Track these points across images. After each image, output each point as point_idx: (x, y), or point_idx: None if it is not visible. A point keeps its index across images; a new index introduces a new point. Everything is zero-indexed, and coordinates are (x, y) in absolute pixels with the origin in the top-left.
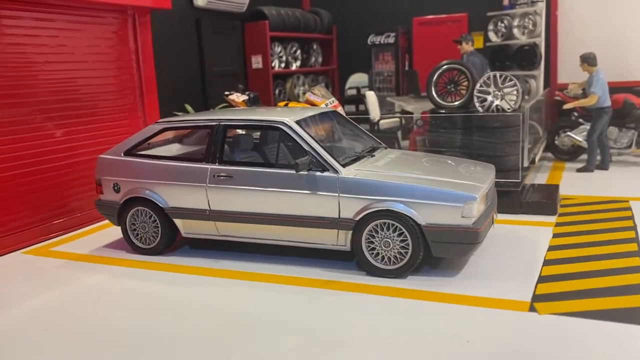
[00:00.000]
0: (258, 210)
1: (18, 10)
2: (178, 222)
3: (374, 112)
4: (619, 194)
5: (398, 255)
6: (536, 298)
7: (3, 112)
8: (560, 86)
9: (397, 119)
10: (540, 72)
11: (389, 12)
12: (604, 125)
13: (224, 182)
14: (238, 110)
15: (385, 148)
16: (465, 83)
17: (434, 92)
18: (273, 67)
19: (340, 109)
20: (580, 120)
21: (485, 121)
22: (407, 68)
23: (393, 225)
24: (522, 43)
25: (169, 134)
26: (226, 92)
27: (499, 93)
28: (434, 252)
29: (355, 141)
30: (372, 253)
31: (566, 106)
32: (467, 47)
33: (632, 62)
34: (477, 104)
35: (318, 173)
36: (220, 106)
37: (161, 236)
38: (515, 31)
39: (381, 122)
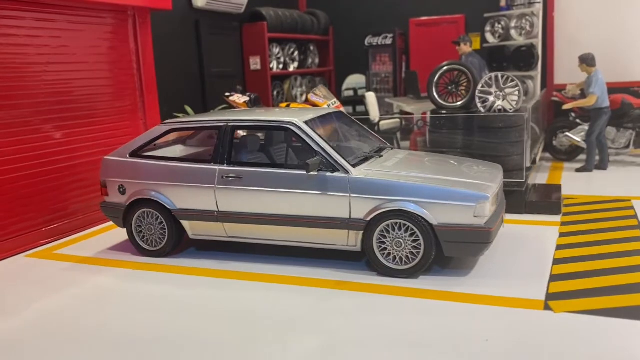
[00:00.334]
0: (268, 211)
1: (18, 10)
2: (185, 223)
3: (374, 113)
4: (620, 193)
5: (410, 255)
6: (550, 296)
7: (3, 113)
8: (557, 87)
9: (397, 120)
10: (537, 73)
11: (386, 13)
12: (603, 125)
13: (233, 183)
14: (245, 111)
15: (392, 148)
16: (466, 84)
17: (435, 93)
18: (271, 69)
19: (342, 110)
20: (578, 120)
21: (489, 122)
22: (404, 69)
23: (405, 225)
24: (519, 44)
25: (172, 135)
26: (227, 94)
27: (501, 94)
28: (446, 252)
29: (362, 142)
30: (384, 253)
31: (565, 107)
32: (465, 48)
33: (628, 62)
34: (478, 105)
35: (328, 173)
36: (220, 107)
37: (168, 238)
38: (513, 32)
39: (381, 122)
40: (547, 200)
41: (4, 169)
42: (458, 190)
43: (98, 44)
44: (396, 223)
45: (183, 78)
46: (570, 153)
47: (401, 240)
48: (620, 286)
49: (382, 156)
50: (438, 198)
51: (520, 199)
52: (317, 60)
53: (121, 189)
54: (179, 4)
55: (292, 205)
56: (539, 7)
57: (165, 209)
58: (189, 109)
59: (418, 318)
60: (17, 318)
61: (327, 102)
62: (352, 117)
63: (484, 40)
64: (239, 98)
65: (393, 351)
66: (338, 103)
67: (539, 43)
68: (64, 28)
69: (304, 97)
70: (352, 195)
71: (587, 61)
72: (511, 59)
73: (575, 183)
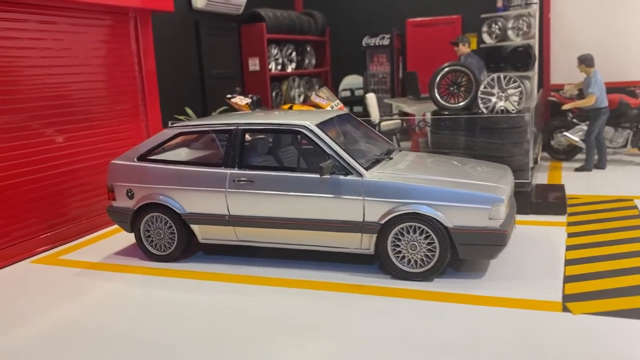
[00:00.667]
0: (280, 215)
1: (20, 12)
2: (195, 228)
3: (375, 113)
4: (622, 192)
5: (424, 258)
6: (567, 298)
7: (6, 118)
8: (553, 87)
9: (398, 121)
10: (534, 73)
11: (383, 14)
12: (602, 125)
13: (245, 187)
14: (255, 114)
15: (400, 150)
16: (466, 85)
17: (437, 94)
18: (270, 70)
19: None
20: (575, 120)
21: (493, 122)
22: (401, 70)
23: (419, 228)
24: (516, 44)
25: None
26: (228, 95)
27: (503, 94)
28: (461, 254)
29: (370, 144)
30: (398, 256)
31: (565, 107)
32: (464, 48)
33: (623, 62)
34: (481, 106)
35: (341, 177)
36: (221, 109)
37: (177, 242)
38: (510, 33)
39: (382, 123)
40: (552, 201)
41: (6, 174)
42: (473, 193)
43: (100, 46)
44: (411, 226)
45: (183, 80)
46: (568, 152)
47: (416, 243)
48: (636, 287)
49: (392, 158)
50: (453, 201)
51: (526, 199)
52: (313, 61)
53: (129, 193)
54: (178, 5)
55: (305, 208)
56: (535, 8)
57: (174, 213)
58: (189, 111)
59: (437, 321)
60: (32, 326)
61: (330, 104)
62: (359, 119)
63: (480, 40)
64: (240, 100)
65: (416, 355)
66: (341, 104)
67: (535, 43)
68: (66, 30)
69: (302, 98)
70: (365, 198)
71: (586, 61)
72: (508, 60)
73: (575, 183)
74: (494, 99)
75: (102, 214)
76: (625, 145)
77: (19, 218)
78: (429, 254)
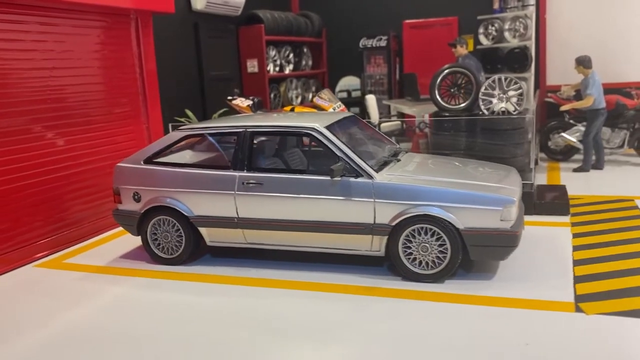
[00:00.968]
0: (289, 217)
1: (21, 14)
2: (203, 230)
3: (374, 115)
4: (621, 193)
5: (436, 260)
6: (579, 298)
7: (8, 121)
8: (549, 88)
9: (398, 122)
10: (530, 75)
11: (379, 15)
12: (600, 126)
13: (254, 190)
14: (262, 116)
15: (406, 152)
16: (465, 86)
17: (437, 96)
18: (268, 71)
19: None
20: (571, 121)
21: (495, 123)
22: (398, 71)
23: (431, 229)
24: (513, 46)
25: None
26: (229, 97)
27: (504, 96)
28: (472, 255)
29: (376, 145)
30: (409, 258)
31: (563, 108)
32: (461, 50)
33: (619, 64)
34: (482, 107)
35: (352, 179)
36: (221, 111)
37: (185, 245)
38: (507, 34)
39: (382, 125)
40: (556, 201)
41: (9, 178)
42: (485, 195)
43: (101, 48)
44: (422, 227)
45: (182, 82)
46: (566, 153)
47: (427, 245)
48: None
49: (399, 160)
50: (465, 202)
51: (529, 200)
52: (310, 63)
53: (136, 196)
54: (178, 7)
55: (315, 210)
56: (532, 10)
57: (182, 216)
58: (189, 113)
59: (453, 323)
60: (43, 331)
61: (332, 106)
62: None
63: (477, 42)
64: (242, 102)
65: (436, 358)
66: (343, 106)
67: (532, 45)
68: (68, 32)
69: (299, 100)
70: (376, 200)
71: (583, 63)
72: (505, 61)
73: (575, 183)
74: (495, 100)
75: (104, 217)
76: (622, 146)
77: (22, 222)
78: (440, 255)
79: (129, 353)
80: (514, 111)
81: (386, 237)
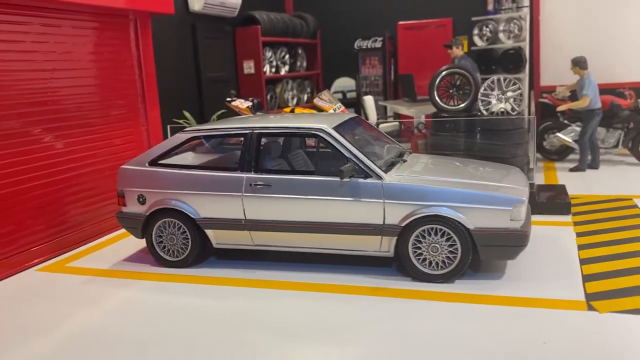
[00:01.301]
0: (298, 219)
1: (20, 15)
2: (210, 232)
3: (372, 116)
4: (619, 192)
5: (446, 260)
6: (590, 297)
7: (9, 123)
8: (543, 89)
9: (397, 123)
10: (525, 75)
11: (373, 16)
12: (595, 126)
13: (262, 191)
14: (268, 117)
15: (411, 152)
16: (466, 87)
17: (436, 97)
18: (264, 72)
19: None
20: (566, 121)
21: (495, 124)
22: (392, 72)
23: (441, 230)
24: (507, 47)
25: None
26: (228, 99)
27: (503, 96)
28: (482, 255)
29: (381, 146)
30: (419, 258)
31: (560, 108)
32: (457, 51)
33: (612, 64)
34: (481, 107)
35: (361, 180)
36: (219, 113)
37: (191, 248)
38: (501, 35)
39: (381, 126)
40: (557, 201)
41: (11, 181)
42: (494, 195)
43: (100, 49)
44: (432, 228)
45: (180, 83)
46: (561, 153)
47: (437, 245)
48: None
49: (406, 161)
50: (474, 202)
51: (531, 199)
52: (305, 64)
53: (141, 199)
54: (175, 8)
55: (324, 212)
56: (526, 11)
57: (188, 218)
58: (187, 115)
59: (468, 323)
60: (55, 336)
61: (332, 107)
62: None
63: (471, 43)
64: (241, 103)
65: (453, 357)
66: (343, 107)
67: (526, 46)
68: (68, 34)
69: (295, 101)
70: (386, 201)
71: (579, 64)
72: (500, 62)
73: (572, 182)
74: (494, 101)
75: (105, 219)
76: (616, 146)
77: (23, 225)
78: (450, 255)
79: (138, 356)
80: (513, 111)
81: (395, 238)
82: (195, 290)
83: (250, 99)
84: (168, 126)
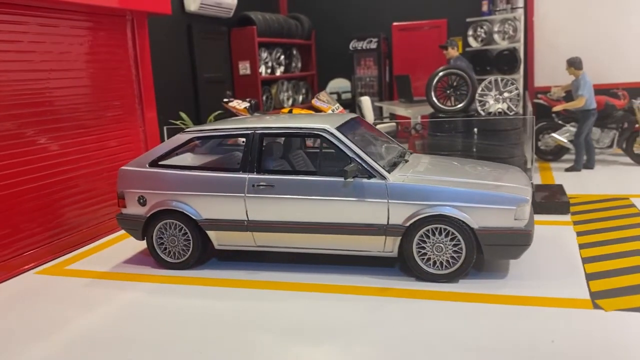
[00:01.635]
0: (301, 219)
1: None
2: (211, 234)
3: (369, 117)
4: (615, 191)
5: (450, 260)
6: (595, 295)
7: (7, 124)
8: (537, 89)
9: (393, 124)
10: (519, 76)
11: (368, 17)
12: (590, 126)
13: (265, 192)
14: (270, 117)
15: (411, 153)
16: (463, 88)
17: (434, 97)
18: (260, 73)
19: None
20: (560, 122)
21: (492, 124)
22: (387, 73)
23: (445, 229)
24: (502, 48)
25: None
26: (225, 100)
27: (500, 97)
28: (486, 255)
29: (383, 146)
30: (423, 258)
31: (555, 108)
32: (453, 52)
33: (605, 65)
34: (479, 108)
35: (365, 180)
36: (215, 113)
37: (193, 249)
38: (496, 36)
39: (378, 127)
40: (556, 201)
41: (7, 183)
42: (498, 194)
43: (97, 50)
44: (436, 228)
45: (175, 83)
46: (556, 153)
47: (442, 245)
48: None
49: (407, 161)
50: (479, 202)
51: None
52: (299, 65)
53: (141, 200)
54: (171, 8)
55: (327, 212)
56: (520, 12)
57: (190, 219)
58: (184, 116)
59: (475, 322)
60: (58, 339)
61: (330, 107)
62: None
63: (466, 44)
64: (238, 104)
65: (463, 357)
66: (341, 108)
67: (520, 47)
68: (65, 34)
69: (290, 101)
70: (390, 201)
71: (574, 64)
72: (494, 63)
73: (568, 182)
74: (491, 101)
75: (102, 221)
76: (611, 146)
77: (20, 228)
78: (454, 255)
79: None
80: (511, 112)
81: (399, 238)
82: (199, 292)
83: (248, 99)
84: (164, 127)
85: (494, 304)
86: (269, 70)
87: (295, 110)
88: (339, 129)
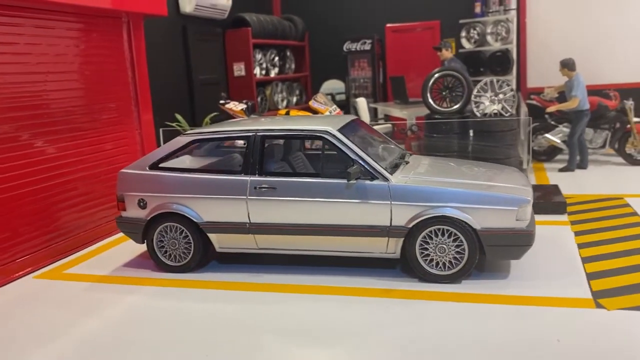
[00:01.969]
0: (304, 221)
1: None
2: (213, 236)
3: (365, 118)
4: (609, 191)
5: (453, 261)
6: (597, 294)
7: (5, 127)
8: (530, 90)
9: (389, 125)
10: (512, 77)
11: (361, 19)
12: (584, 126)
13: (267, 194)
14: (272, 120)
15: (411, 154)
16: (458, 89)
17: (430, 99)
18: (255, 75)
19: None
20: (553, 122)
21: (488, 125)
22: (381, 74)
23: (448, 230)
24: (495, 49)
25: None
26: (221, 101)
27: (496, 98)
28: (489, 256)
29: (383, 148)
30: (426, 259)
31: (549, 109)
32: (447, 53)
33: (597, 66)
34: (474, 109)
35: (367, 182)
36: (212, 115)
37: (194, 252)
38: (489, 38)
39: (374, 128)
40: (553, 201)
41: (4, 187)
42: (500, 195)
43: (93, 52)
44: (439, 229)
45: (171, 85)
46: (550, 154)
47: (444, 246)
48: None
49: (408, 162)
50: (481, 203)
51: None
52: (293, 66)
53: (141, 203)
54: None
55: (330, 214)
56: (513, 14)
57: (191, 222)
58: (180, 118)
59: (481, 322)
60: (62, 344)
61: (328, 109)
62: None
63: (459, 45)
64: (235, 105)
65: (473, 357)
66: (338, 109)
67: (513, 48)
68: (62, 35)
69: (284, 103)
70: (393, 202)
71: (568, 65)
72: (487, 64)
73: (562, 182)
74: (487, 103)
75: (100, 225)
76: (604, 146)
77: (18, 232)
78: (457, 256)
79: None
80: (506, 113)
81: (402, 239)
82: (201, 295)
83: (244, 101)
84: (160, 129)
85: (497, 304)
86: (263, 72)
87: (293, 112)
88: (340, 130)
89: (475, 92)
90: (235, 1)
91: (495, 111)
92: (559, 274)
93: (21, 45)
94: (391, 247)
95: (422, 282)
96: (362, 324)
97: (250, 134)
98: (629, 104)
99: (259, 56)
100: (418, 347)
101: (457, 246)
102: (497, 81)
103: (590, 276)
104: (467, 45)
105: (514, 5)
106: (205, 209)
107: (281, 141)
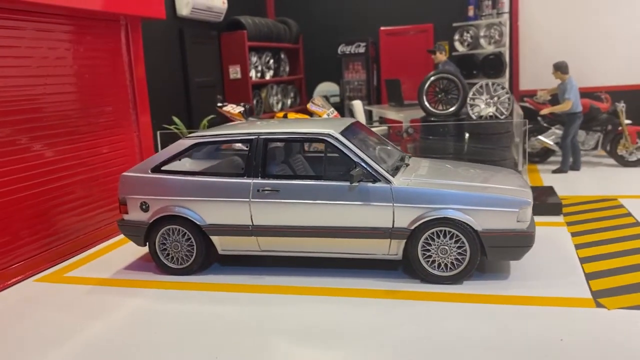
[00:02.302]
0: (307, 224)
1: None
2: (215, 239)
3: (361, 120)
4: (603, 192)
5: (454, 262)
6: (596, 294)
7: (6, 130)
8: (522, 93)
9: (385, 127)
10: (505, 80)
11: (355, 22)
12: (576, 128)
13: (270, 197)
14: (274, 122)
15: (410, 156)
16: (453, 92)
17: (425, 101)
18: (250, 77)
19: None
20: (545, 124)
21: (484, 127)
22: (375, 77)
23: (450, 232)
24: (488, 52)
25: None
26: (219, 104)
27: (491, 101)
28: (490, 256)
29: (384, 150)
30: (428, 261)
31: (543, 112)
32: (441, 56)
33: (589, 69)
34: (470, 112)
35: (370, 184)
36: (209, 118)
37: (196, 255)
38: (482, 41)
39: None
40: (548, 202)
41: (4, 191)
42: (501, 197)
43: (92, 55)
44: (441, 230)
45: (168, 88)
46: (542, 155)
47: (446, 247)
48: None
49: (408, 164)
50: (482, 205)
51: None
52: (287, 69)
53: (143, 206)
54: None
55: (333, 216)
56: (506, 17)
57: (194, 225)
58: (177, 120)
59: (484, 323)
60: (67, 349)
61: (326, 112)
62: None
63: (452, 48)
64: (233, 108)
65: (479, 358)
66: (336, 112)
67: (506, 51)
68: (61, 39)
69: (280, 105)
70: (395, 204)
71: (561, 68)
72: (480, 67)
73: (556, 184)
74: (482, 105)
75: (99, 227)
76: (596, 147)
77: (18, 236)
78: (459, 257)
79: None
80: (502, 115)
81: (404, 241)
82: (205, 297)
83: (242, 104)
84: (158, 132)
85: (500, 305)
86: (258, 74)
87: (290, 115)
88: (343, 133)
89: (471, 94)
90: (230, 4)
91: (491, 114)
92: (558, 274)
93: (22, 49)
94: (393, 249)
95: (424, 283)
96: (366, 325)
97: (253, 137)
98: (621, 106)
99: (254, 59)
100: (422, 348)
101: (459, 247)
102: (493, 84)
103: (589, 276)
104: (460, 49)
105: (506, 8)
106: (208, 212)
107: (282, 144)
